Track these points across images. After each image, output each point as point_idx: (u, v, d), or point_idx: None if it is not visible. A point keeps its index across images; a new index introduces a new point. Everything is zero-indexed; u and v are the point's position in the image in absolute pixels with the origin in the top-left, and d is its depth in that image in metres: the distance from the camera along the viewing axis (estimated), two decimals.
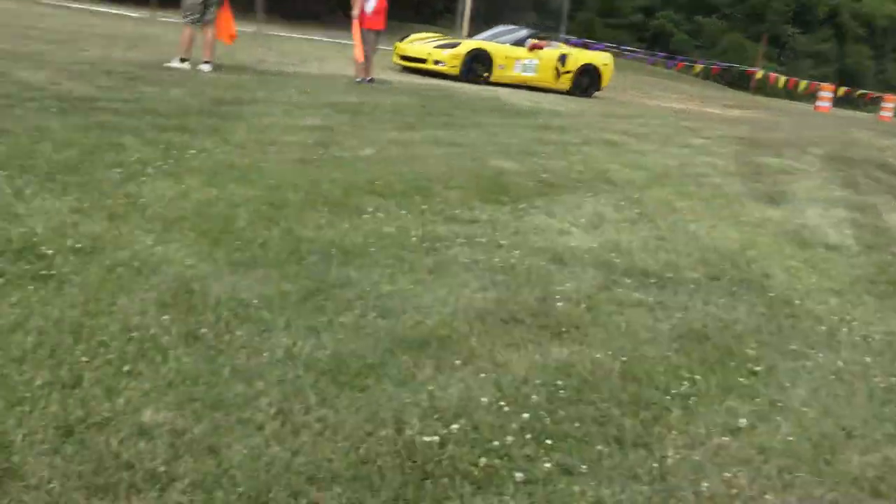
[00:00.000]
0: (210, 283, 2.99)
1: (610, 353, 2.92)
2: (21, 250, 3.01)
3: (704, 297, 3.78)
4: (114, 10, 21.24)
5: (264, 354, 2.46)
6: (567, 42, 24.09)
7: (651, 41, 37.63)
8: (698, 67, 29.85)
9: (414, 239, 3.98)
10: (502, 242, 4.18)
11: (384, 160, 5.93)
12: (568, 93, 15.97)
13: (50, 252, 3.03)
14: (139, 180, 4.29)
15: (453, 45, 15.34)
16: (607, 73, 16.75)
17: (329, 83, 11.05)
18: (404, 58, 15.51)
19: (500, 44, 15.88)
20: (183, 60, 9.90)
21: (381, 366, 2.52)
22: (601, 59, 16.93)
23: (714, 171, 8.03)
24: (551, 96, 14.53)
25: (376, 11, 11.90)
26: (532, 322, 3.10)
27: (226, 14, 10.47)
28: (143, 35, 14.90)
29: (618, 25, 38.34)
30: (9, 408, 1.97)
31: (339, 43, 18.27)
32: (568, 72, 16.10)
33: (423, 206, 4.66)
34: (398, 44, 16.16)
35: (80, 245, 3.15)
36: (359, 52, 11.95)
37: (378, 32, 12.13)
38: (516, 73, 15.50)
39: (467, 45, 15.39)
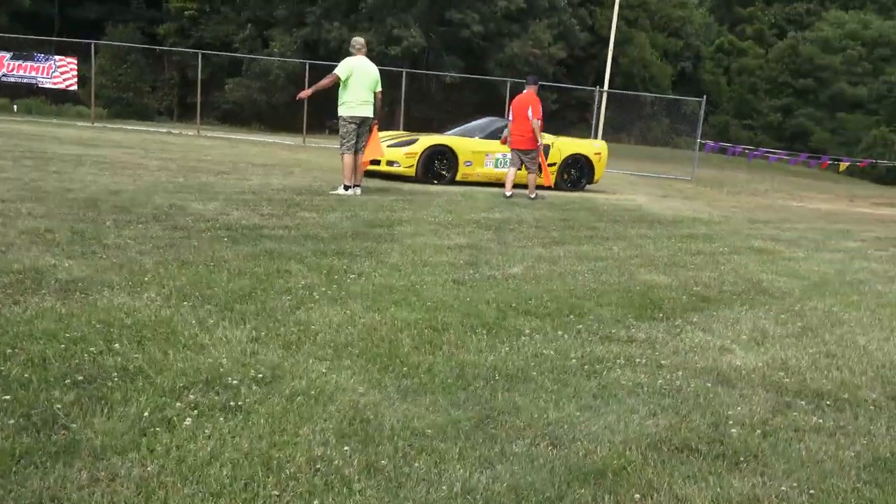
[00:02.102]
0: (383, 410, 3.08)
1: (795, 485, 2.77)
2: (209, 381, 3.20)
3: (888, 420, 3.55)
4: (269, 139, 22.78)
5: (443, 488, 2.49)
6: (703, 146, 23.77)
7: (790, 140, 36.79)
8: (844, 165, 28.81)
9: (574, 361, 3.96)
10: (663, 363, 4.10)
11: (533, 278, 6.00)
12: (555, 188, 14.46)
13: (235, 383, 3.21)
14: (308, 306, 4.52)
15: (410, 143, 13.77)
16: (601, 164, 15.20)
17: (470, 200, 11.36)
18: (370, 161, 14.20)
19: (467, 137, 14.40)
20: (346, 188, 10.51)
21: (559, 500, 2.49)
22: (592, 148, 15.30)
23: (874, 276, 7.64)
24: (694, 204, 14.32)
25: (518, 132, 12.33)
26: (707, 451, 2.99)
27: (374, 137, 11.07)
28: (296, 161, 15.90)
29: (754, 127, 37.76)
30: None
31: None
32: (552, 164, 14.41)
33: (579, 326, 4.66)
34: None
35: (261, 375, 3.32)
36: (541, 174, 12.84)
37: (516, 151, 12.53)
38: (488, 170, 14.01)
39: (425, 141, 13.76)
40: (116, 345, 3.52)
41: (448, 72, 35.34)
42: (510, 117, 12.39)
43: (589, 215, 10.74)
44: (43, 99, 30.85)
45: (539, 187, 12.97)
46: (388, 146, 13.53)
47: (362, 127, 10.60)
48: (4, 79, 27.80)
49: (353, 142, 10.50)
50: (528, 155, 12.26)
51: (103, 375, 3.15)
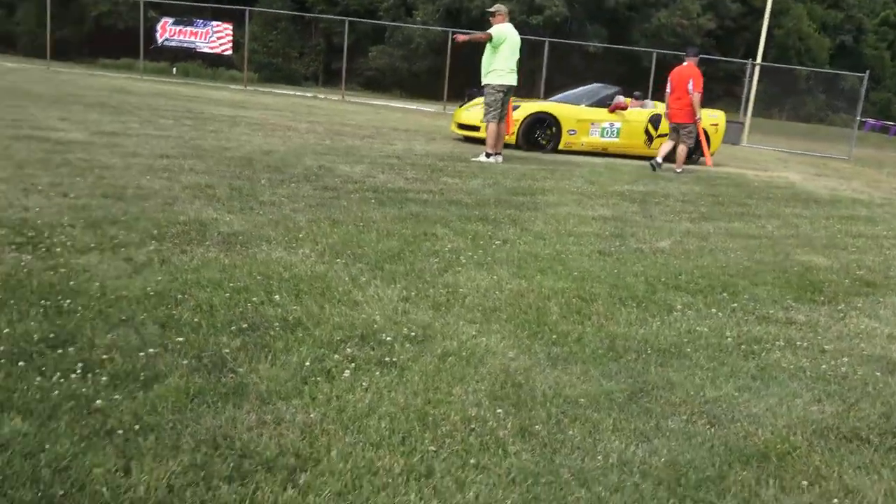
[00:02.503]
0: (534, 376, 3.05)
1: None
2: (364, 336, 3.27)
3: None
4: (410, 106, 23.04)
5: (598, 458, 2.44)
6: (862, 124, 22.28)
7: None
8: None
9: (729, 340, 3.81)
10: (826, 347, 3.87)
11: (682, 253, 5.80)
12: (665, 160, 13.32)
13: (388, 339, 3.26)
14: (455, 270, 4.54)
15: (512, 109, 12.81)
16: (717, 136, 14.24)
17: (613, 171, 11.12)
18: (461, 126, 13.59)
19: (571, 105, 13.71)
20: (488, 155, 10.51)
21: (721, 479, 2.39)
22: (707, 118, 13.82)
23: None
24: (852, 184, 13.48)
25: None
26: (879, 442, 2.81)
27: (510, 109, 11.00)
28: (437, 127, 16.03)
29: None
30: (375, 492, 2.11)
31: None
32: (663, 135, 13.38)
33: (733, 304, 4.47)
34: (457, 110, 14.32)
35: (413, 333, 3.36)
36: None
37: (673, 124, 12.21)
38: (593, 139, 13.44)
39: (527, 107, 13.24)
40: (276, 296, 3.65)
41: (591, 42, 34.58)
42: (668, 89, 12.01)
43: (738, 191, 10.29)
44: (199, 63, 32.35)
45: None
46: None
47: (507, 95, 10.53)
48: (166, 43, 29.33)
49: (499, 110, 10.45)
50: (685, 128, 11.87)
51: (265, 325, 3.27)
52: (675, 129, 12.06)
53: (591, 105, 13.75)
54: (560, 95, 14.83)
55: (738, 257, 5.88)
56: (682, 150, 11.93)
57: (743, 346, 3.73)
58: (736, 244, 6.42)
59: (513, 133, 12.57)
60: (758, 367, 3.47)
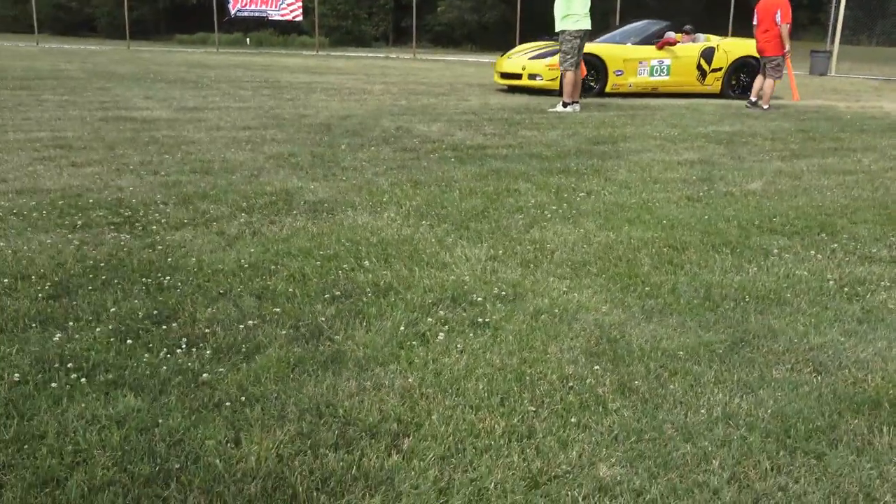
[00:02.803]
0: (629, 330, 3.01)
1: None
2: (455, 298, 3.27)
3: None
4: (482, 59, 22.79)
5: (702, 412, 2.39)
6: None
7: None
8: None
9: (831, 283, 3.67)
10: None
11: (775, 194, 5.61)
12: (720, 96, 13.07)
13: (479, 300, 3.26)
14: (541, 225, 4.50)
15: (553, 53, 12.35)
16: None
17: (695, 112, 10.79)
18: (503, 75, 13.19)
19: (617, 44, 13.14)
20: (566, 105, 10.32)
21: (831, 429, 2.32)
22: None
23: None
24: None
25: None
26: None
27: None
28: None
29: None
30: (478, 455, 2.12)
31: None
32: (717, 69, 13.12)
33: (833, 245, 4.30)
34: (498, 59, 13.84)
35: (503, 292, 3.35)
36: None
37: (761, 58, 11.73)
38: (642, 79, 12.92)
39: None
40: (366, 262, 3.68)
41: None
42: (754, 21, 11.53)
43: (830, 125, 9.86)
44: (271, 31, 32.73)
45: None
46: (528, 58, 12.89)
47: (584, 41, 10.29)
48: (238, 14, 29.71)
49: (577, 57, 10.22)
50: (772, 61, 11.38)
51: (357, 291, 3.31)
52: (763, 63, 11.60)
53: (638, 43, 13.17)
54: (607, 35, 14.19)
55: (835, 195, 5.65)
56: (768, 84, 11.47)
57: (846, 289, 3.59)
58: (831, 181, 6.16)
59: (555, 79, 12.10)
60: (863, 309, 3.34)
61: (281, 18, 30.02)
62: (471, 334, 2.92)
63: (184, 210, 4.56)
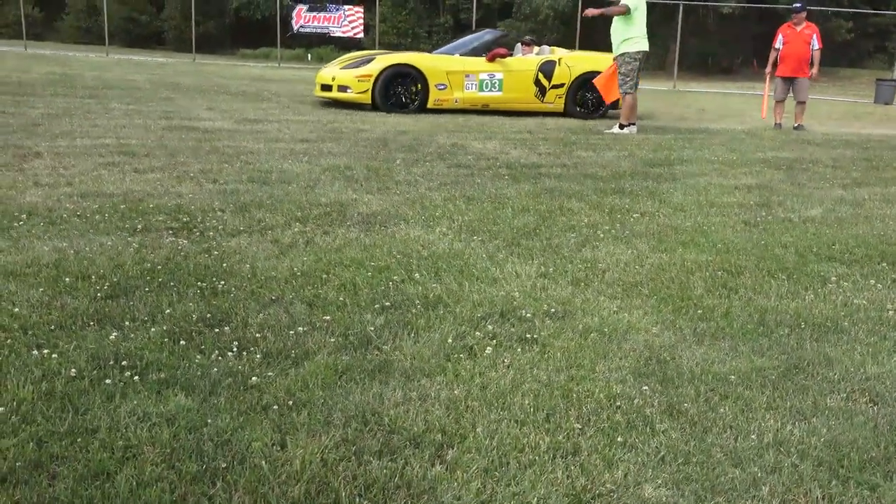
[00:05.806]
0: (680, 353, 2.96)
1: None
2: (504, 313, 3.27)
3: None
4: None
5: (752, 437, 2.35)
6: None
7: None
8: None
9: (891, 313, 3.57)
10: None
11: (835, 222, 5.49)
12: (564, 114, 12.00)
13: (529, 316, 3.25)
14: (593, 244, 4.47)
15: (363, 63, 11.46)
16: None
17: (754, 138, 10.63)
18: (322, 87, 11.91)
19: (442, 55, 11.97)
20: (622, 126, 10.28)
21: (886, 461, 2.25)
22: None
23: None
24: None
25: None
26: None
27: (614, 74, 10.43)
28: None
29: None
30: (522, 469, 2.11)
31: (755, 95, 17.50)
32: (559, 85, 11.80)
33: (894, 276, 4.19)
34: (319, 72, 12.55)
35: (553, 310, 3.34)
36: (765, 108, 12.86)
37: (786, 79, 12.16)
38: (470, 94, 11.51)
39: (382, 60, 11.46)
40: (416, 274, 3.70)
41: (727, 2, 33.04)
42: (776, 45, 11.96)
43: (894, 154, 9.61)
44: (332, 47, 33.21)
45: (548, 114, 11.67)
46: (339, 69, 11.77)
47: (642, 62, 10.22)
48: (301, 30, 30.26)
49: (635, 80, 10.16)
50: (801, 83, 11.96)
51: (407, 302, 3.32)
52: (789, 87, 12.21)
53: (465, 54, 11.91)
54: (444, 47, 12.99)
55: None
56: (799, 108, 12.08)
57: None
58: (894, 211, 6.01)
59: (366, 91, 11.34)
60: None
61: (342, 35, 30.50)
62: (518, 349, 2.91)
63: (240, 218, 4.64)
